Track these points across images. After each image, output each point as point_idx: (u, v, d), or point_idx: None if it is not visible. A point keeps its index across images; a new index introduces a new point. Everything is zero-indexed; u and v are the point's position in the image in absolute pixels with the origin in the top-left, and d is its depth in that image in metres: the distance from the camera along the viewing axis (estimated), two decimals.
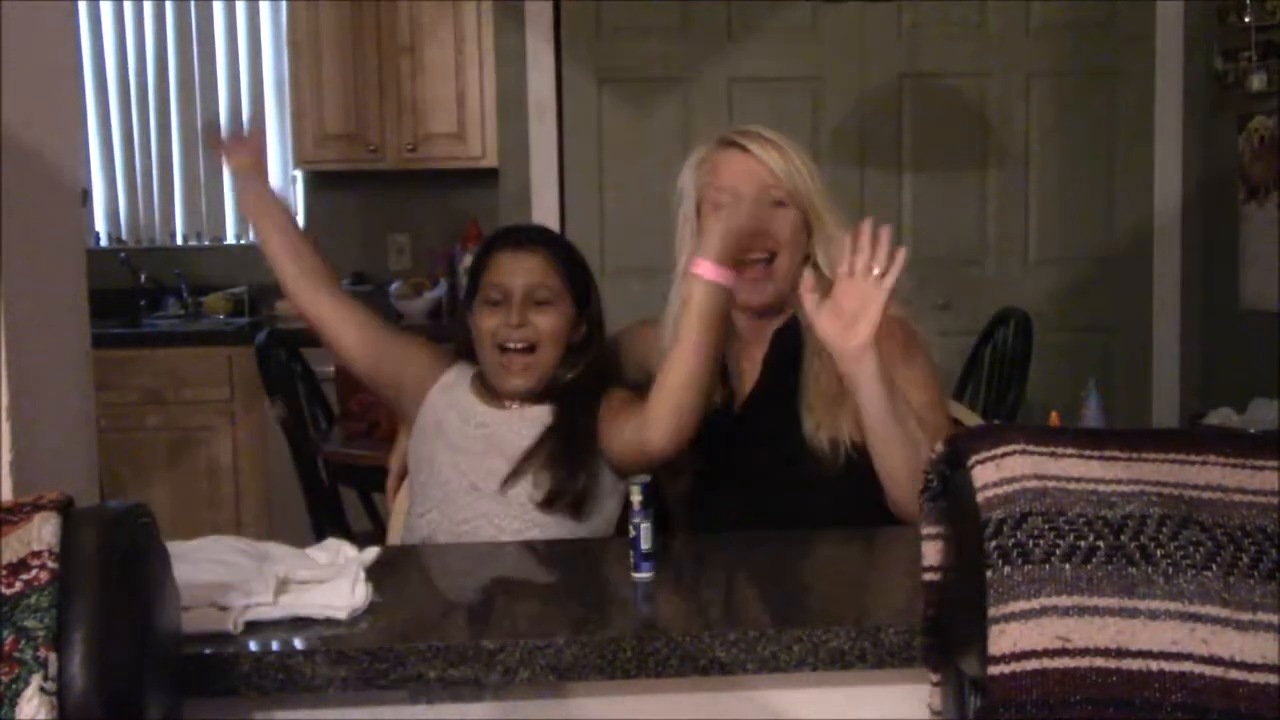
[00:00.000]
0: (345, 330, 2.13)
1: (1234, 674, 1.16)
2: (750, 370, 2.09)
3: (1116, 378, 4.33)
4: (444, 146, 4.63)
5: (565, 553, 1.90)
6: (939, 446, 1.31)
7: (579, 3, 4.11)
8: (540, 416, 2.06)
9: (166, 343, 4.50)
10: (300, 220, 4.98)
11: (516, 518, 1.98)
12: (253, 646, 1.39)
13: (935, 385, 2.03)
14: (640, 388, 2.19)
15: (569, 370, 2.07)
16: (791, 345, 2.04)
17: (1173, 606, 1.17)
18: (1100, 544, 1.19)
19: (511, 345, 2.03)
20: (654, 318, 2.22)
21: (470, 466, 2.02)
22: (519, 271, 2.05)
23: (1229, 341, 4.08)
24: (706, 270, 1.86)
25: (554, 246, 2.12)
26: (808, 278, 1.87)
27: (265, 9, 4.97)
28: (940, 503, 1.32)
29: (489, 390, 2.09)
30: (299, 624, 1.44)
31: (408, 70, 4.58)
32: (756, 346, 2.09)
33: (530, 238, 2.12)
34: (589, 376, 2.08)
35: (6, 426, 1.34)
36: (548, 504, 1.98)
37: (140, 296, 4.84)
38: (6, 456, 1.34)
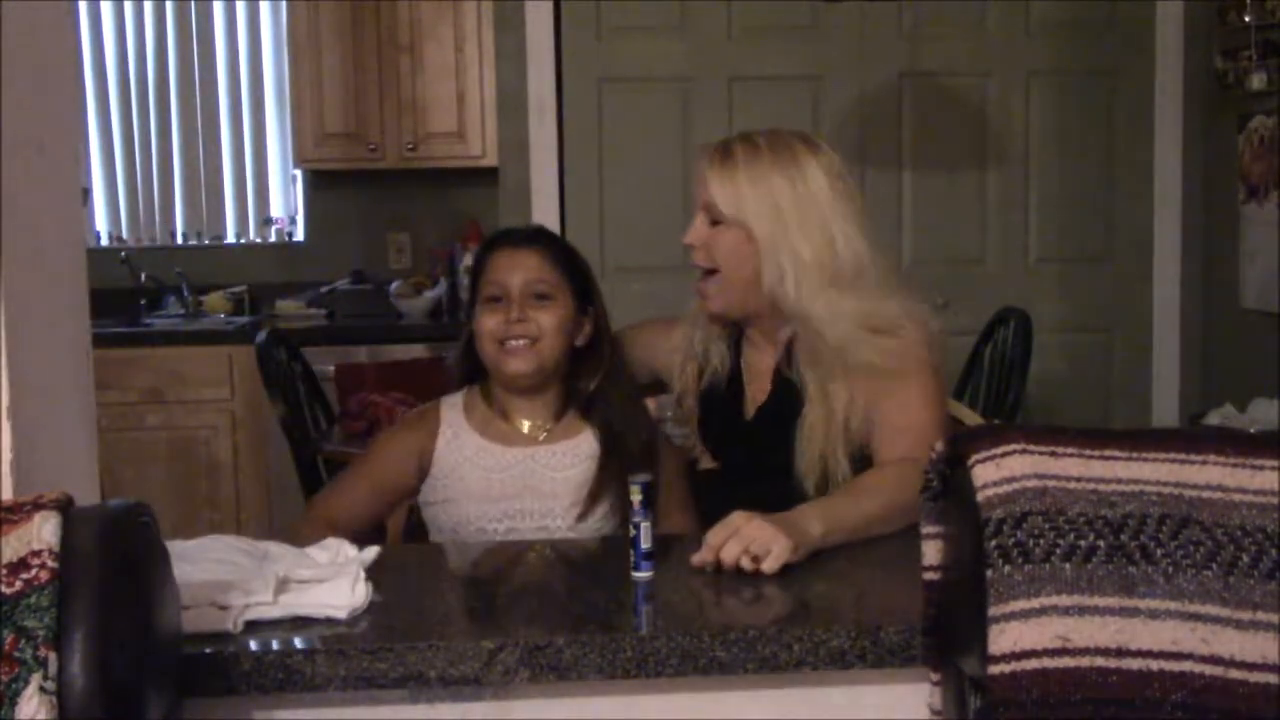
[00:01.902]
0: (349, 520, 2.09)
1: (1234, 674, 1.16)
2: (762, 376, 2.09)
3: (1116, 378, 4.34)
4: (444, 146, 4.63)
5: (565, 552, 1.90)
6: (938, 446, 1.31)
7: (579, 3, 4.11)
8: (577, 448, 2.08)
9: (166, 342, 4.50)
10: (300, 220, 5.03)
11: None
12: (253, 646, 1.39)
13: (926, 409, 1.94)
14: (649, 388, 2.21)
15: (589, 380, 2.08)
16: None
17: (1173, 606, 1.17)
18: (1100, 543, 1.19)
19: (512, 342, 2.03)
20: (664, 316, 2.22)
21: (501, 512, 2.04)
22: (516, 269, 2.06)
23: (1229, 341, 4.07)
24: None
25: (551, 243, 2.13)
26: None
27: (265, 9, 4.97)
28: (940, 502, 1.32)
29: (496, 426, 2.10)
30: (299, 623, 1.44)
31: (408, 70, 4.58)
32: (768, 352, 2.08)
33: (527, 236, 2.13)
34: (612, 387, 2.09)
35: (6, 426, 1.34)
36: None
37: (140, 296, 4.83)
38: (6, 456, 1.34)
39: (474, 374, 2.14)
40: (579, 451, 2.06)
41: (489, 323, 2.05)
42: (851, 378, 1.95)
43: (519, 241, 2.10)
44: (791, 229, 1.95)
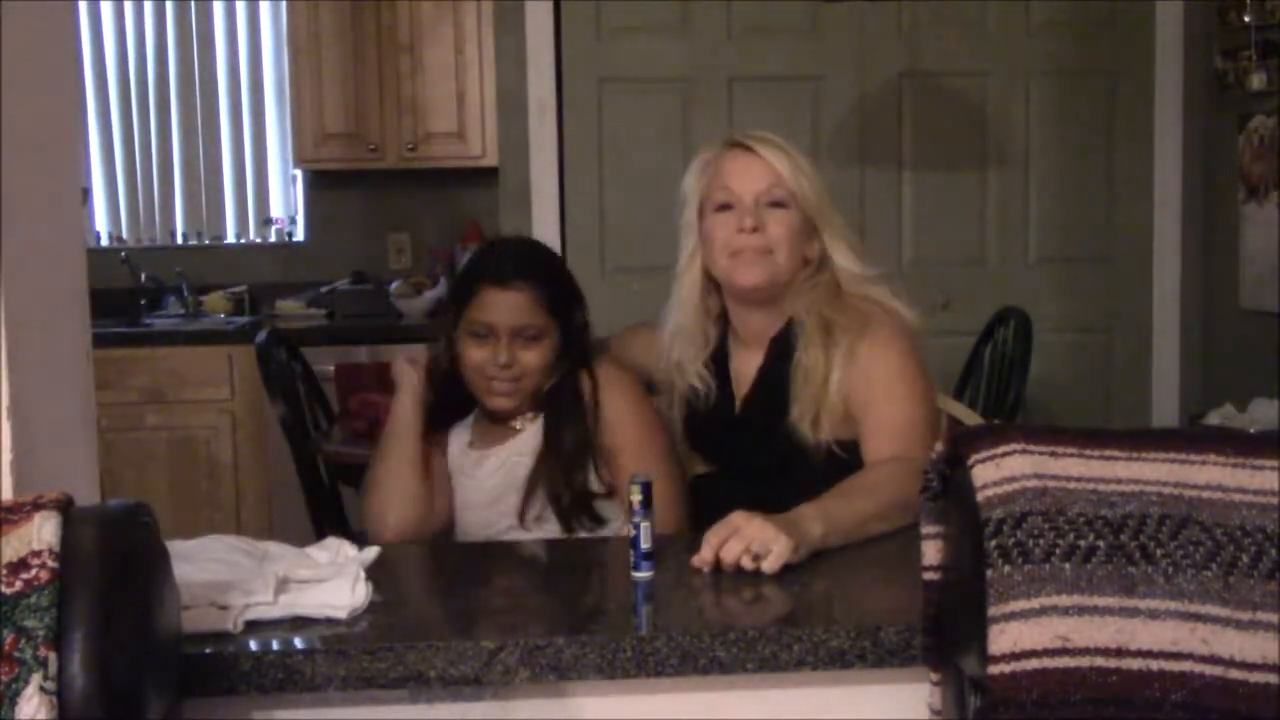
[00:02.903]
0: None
1: (1234, 674, 1.16)
2: (747, 373, 2.09)
3: (1116, 378, 4.33)
4: (444, 146, 4.63)
5: (565, 552, 1.90)
6: (939, 446, 1.31)
7: (579, 3, 4.11)
8: (535, 435, 2.09)
9: (166, 342, 4.50)
10: (300, 220, 5.03)
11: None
12: (253, 646, 1.39)
13: (917, 407, 1.96)
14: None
15: (548, 379, 2.07)
16: (788, 351, 2.04)
17: (1173, 606, 1.17)
18: (1100, 543, 1.19)
19: (497, 383, 2.03)
20: (653, 320, 2.22)
21: (490, 519, 2.07)
22: (505, 311, 2.02)
23: (1229, 341, 4.07)
24: None
25: (539, 277, 2.06)
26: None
27: (265, 9, 4.97)
28: (940, 502, 1.32)
29: (482, 426, 2.11)
30: (299, 623, 1.44)
31: (408, 70, 4.58)
32: (755, 349, 2.09)
33: (517, 272, 2.04)
34: (567, 379, 2.09)
35: (6, 426, 1.34)
36: (564, 520, 2.01)
37: (140, 296, 4.83)
38: (6, 456, 1.34)
39: (466, 403, 2.14)
40: (524, 447, 2.08)
41: (475, 356, 2.04)
42: (844, 356, 1.98)
43: (507, 279, 2.03)
44: (829, 206, 2.07)
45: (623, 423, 2.04)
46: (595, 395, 2.05)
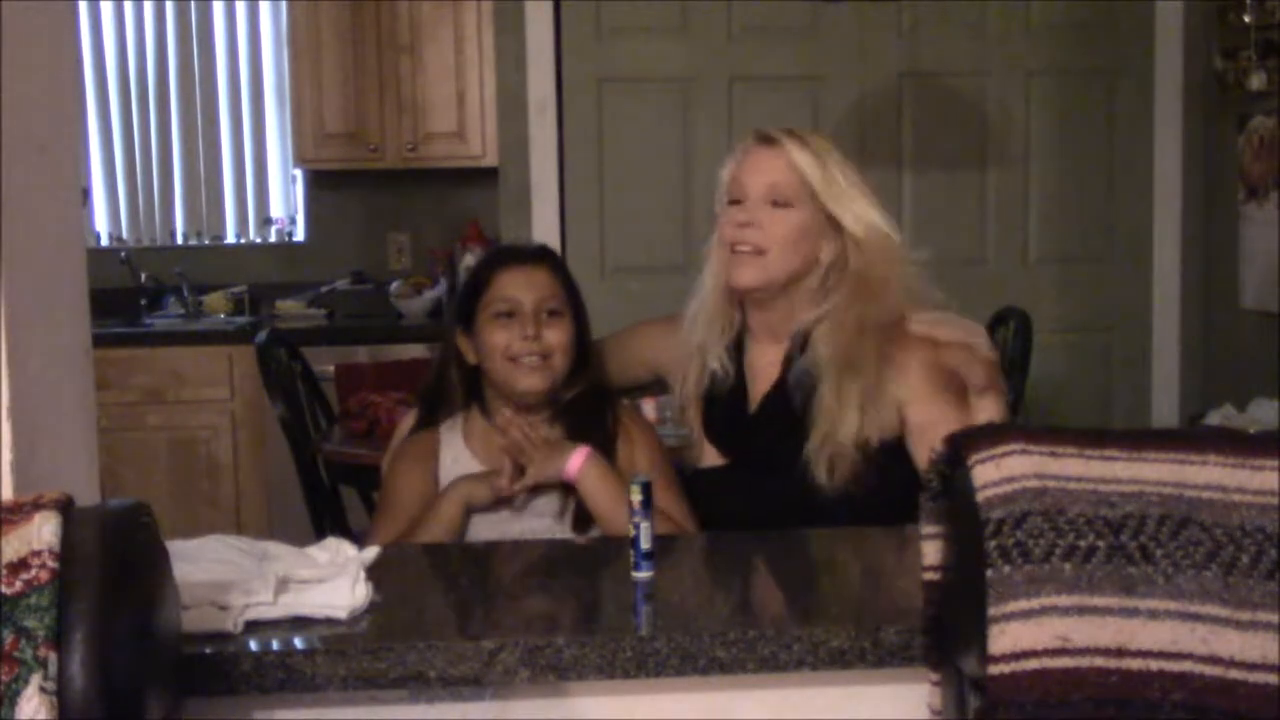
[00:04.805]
0: None
1: (1234, 674, 1.16)
2: (762, 369, 2.09)
3: (1116, 378, 4.33)
4: (444, 146, 4.63)
5: (565, 552, 1.90)
6: (939, 446, 1.31)
7: (579, 3, 4.11)
8: None
9: (166, 342, 4.50)
10: (300, 220, 5.03)
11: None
12: (253, 646, 1.39)
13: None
14: (650, 388, 2.22)
15: (569, 389, 2.08)
16: (802, 381, 2.04)
17: (1173, 606, 1.17)
18: (1100, 543, 1.19)
19: (526, 359, 2.03)
20: (664, 315, 2.22)
21: (515, 532, 2.05)
22: (528, 285, 2.05)
23: (1229, 341, 4.07)
24: None
25: (556, 261, 2.15)
26: None
27: (265, 9, 4.97)
28: (940, 502, 1.32)
29: (493, 451, 2.09)
30: (299, 623, 1.44)
31: (408, 70, 4.58)
32: (772, 349, 2.09)
33: (534, 254, 2.14)
34: (586, 393, 2.09)
35: (6, 426, 1.34)
36: (580, 526, 2.01)
37: (140, 296, 4.83)
38: (6, 456, 1.34)
39: (469, 395, 2.13)
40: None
41: (500, 339, 2.04)
42: (891, 368, 1.98)
43: (527, 259, 2.11)
44: (859, 200, 2.07)
45: (644, 451, 2.08)
46: (616, 425, 2.09)
